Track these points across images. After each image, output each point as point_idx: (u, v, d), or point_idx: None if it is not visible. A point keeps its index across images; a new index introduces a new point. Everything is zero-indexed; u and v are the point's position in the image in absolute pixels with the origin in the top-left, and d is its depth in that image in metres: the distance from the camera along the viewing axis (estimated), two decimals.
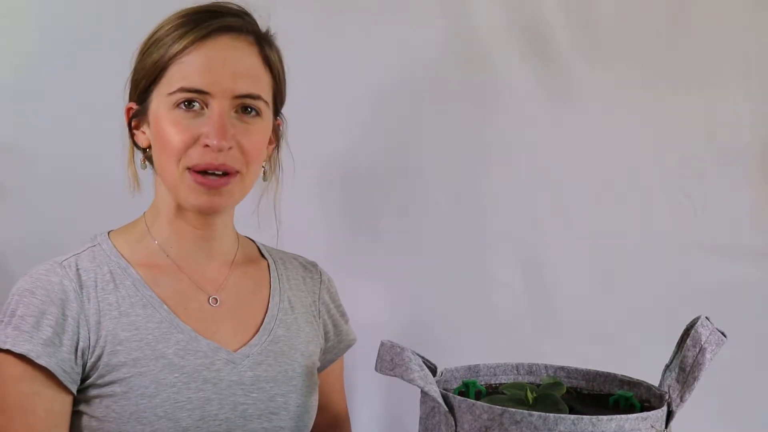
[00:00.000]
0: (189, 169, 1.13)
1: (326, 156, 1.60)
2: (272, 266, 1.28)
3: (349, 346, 1.35)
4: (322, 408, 1.29)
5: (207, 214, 1.17)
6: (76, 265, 1.14)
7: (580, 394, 1.16)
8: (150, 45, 1.16)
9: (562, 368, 1.19)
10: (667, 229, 1.67)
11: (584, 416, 0.94)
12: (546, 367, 1.20)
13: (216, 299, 1.20)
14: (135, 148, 1.20)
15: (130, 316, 1.12)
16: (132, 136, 1.19)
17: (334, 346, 1.34)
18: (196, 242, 1.20)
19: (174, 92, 1.13)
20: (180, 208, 1.17)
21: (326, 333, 1.32)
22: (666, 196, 1.68)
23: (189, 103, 1.12)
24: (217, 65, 1.14)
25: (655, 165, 1.68)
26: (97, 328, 1.10)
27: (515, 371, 1.19)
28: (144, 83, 1.15)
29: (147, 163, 1.20)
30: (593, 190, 1.68)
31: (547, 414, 0.94)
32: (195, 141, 1.12)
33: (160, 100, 1.14)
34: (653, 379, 1.11)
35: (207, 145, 1.12)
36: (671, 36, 1.69)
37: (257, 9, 1.20)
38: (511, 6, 1.66)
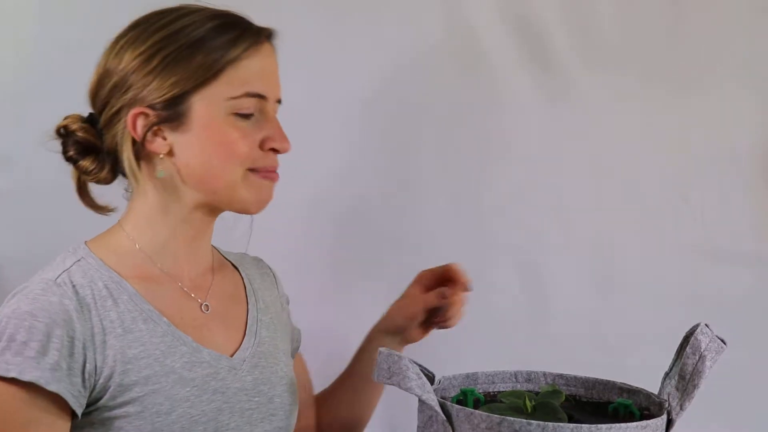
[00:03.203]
0: (250, 170, 1.13)
1: (322, 159, 1.59)
2: (240, 268, 1.28)
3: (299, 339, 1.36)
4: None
5: (259, 210, 1.17)
6: (71, 282, 1.08)
7: (579, 402, 1.15)
8: (184, 47, 1.10)
9: (560, 376, 1.18)
10: (667, 234, 1.66)
11: (583, 425, 0.93)
12: (545, 374, 1.19)
13: (207, 306, 1.19)
14: (135, 154, 1.13)
15: (134, 333, 1.09)
16: (143, 142, 1.11)
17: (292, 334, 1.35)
18: (189, 247, 1.18)
19: (238, 97, 1.11)
20: (187, 211, 1.14)
21: (292, 331, 1.34)
22: (665, 201, 1.67)
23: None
24: (271, 71, 1.15)
25: (654, 170, 1.67)
26: (103, 348, 1.06)
27: (514, 379, 1.18)
28: (182, 87, 1.09)
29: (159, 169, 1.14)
30: (592, 194, 1.68)
31: (546, 423, 0.93)
32: (257, 144, 1.13)
33: (214, 105, 1.10)
34: (653, 386, 1.10)
35: (273, 149, 1.14)
36: (671, 40, 1.68)
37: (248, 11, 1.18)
38: (509, 10, 1.66)
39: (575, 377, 1.17)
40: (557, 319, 1.62)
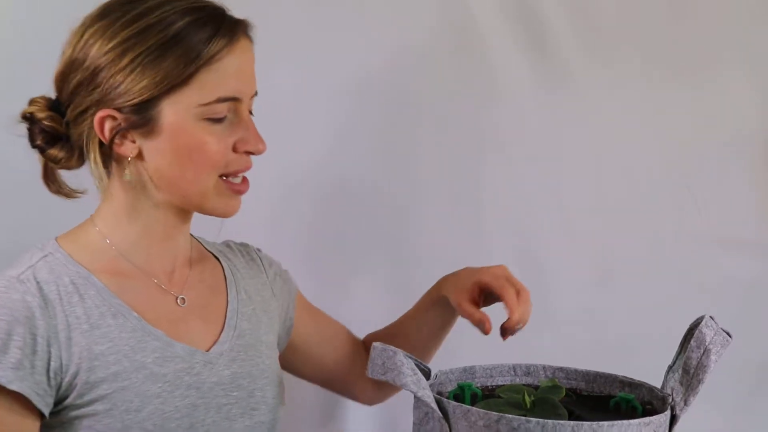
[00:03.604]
0: (223, 178, 1.10)
1: (314, 149, 1.56)
2: (221, 259, 1.25)
3: (296, 286, 1.34)
4: (331, 344, 1.34)
5: (228, 217, 1.14)
6: (35, 278, 1.04)
7: (579, 396, 1.13)
8: (156, 46, 1.03)
9: (561, 369, 1.15)
10: (669, 224, 1.63)
11: (584, 423, 0.90)
12: (544, 367, 1.16)
13: (183, 299, 1.15)
14: (101, 156, 1.08)
15: (101, 328, 1.06)
16: (111, 145, 1.07)
17: (289, 296, 1.32)
18: (162, 243, 1.14)
19: (210, 103, 1.06)
20: (158, 211, 1.11)
21: (287, 305, 1.30)
22: (667, 190, 1.64)
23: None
24: (247, 70, 1.10)
25: (656, 158, 1.64)
26: (69, 345, 1.03)
27: (512, 372, 1.15)
28: (152, 92, 1.04)
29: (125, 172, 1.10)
30: (592, 184, 1.64)
31: (546, 420, 0.90)
32: (230, 148, 1.09)
33: (185, 110, 1.05)
34: (655, 379, 1.07)
35: (248, 152, 1.10)
36: (672, 27, 1.64)
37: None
38: None
39: (575, 370, 1.14)
40: (557, 311, 1.58)
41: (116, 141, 1.07)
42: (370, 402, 1.42)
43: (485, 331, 1.16)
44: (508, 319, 1.15)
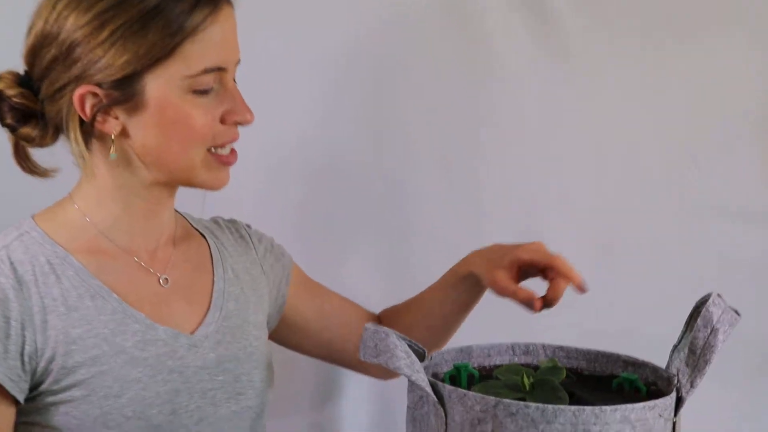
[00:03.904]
0: (210, 152, 1.06)
1: (302, 124, 1.49)
2: (208, 236, 1.20)
3: (291, 260, 1.29)
4: (332, 320, 1.29)
5: (218, 189, 1.10)
6: (9, 259, 1.00)
7: (581, 376, 1.09)
8: (136, 18, 0.98)
9: (561, 348, 1.11)
10: (672, 195, 1.58)
11: (586, 407, 0.86)
12: (544, 347, 1.12)
13: (167, 279, 1.11)
14: (82, 134, 1.03)
15: (79, 311, 1.02)
16: (92, 122, 1.02)
17: (282, 272, 1.27)
18: (145, 221, 1.10)
19: (195, 75, 1.01)
20: (143, 187, 1.07)
21: (279, 281, 1.25)
22: (670, 160, 1.59)
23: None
24: (230, 38, 1.06)
25: (657, 127, 1.58)
26: (44, 328, 0.99)
27: (511, 352, 1.11)
28: (134, 67, 0.99)
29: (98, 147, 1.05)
30: (593, 161, 1.58)
31: (546, 405, 0.86)
32: (217, 120, 1.05)
33: (169, 84, 1.01)
34: (659, 359, 1.03)
35: (236, 123, 1.06)
36: None
37: None
38: None
39: (576, 349, 1.11)
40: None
41: (98, 118, 1.02)
42: (384, 376, 1.36)
43: (535, 308, 1.09)
44: (573, 283, 1.10)
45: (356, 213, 1.53)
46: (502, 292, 1.13)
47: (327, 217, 1.53)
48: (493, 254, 1.18)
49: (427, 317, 1.27)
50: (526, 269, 1.14)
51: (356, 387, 1.51)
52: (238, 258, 1.21)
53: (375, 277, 1.54)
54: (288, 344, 1.31)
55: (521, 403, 0.87)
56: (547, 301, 1.09)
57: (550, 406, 0.86)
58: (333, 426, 1.55)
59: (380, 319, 1.34)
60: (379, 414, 1.54)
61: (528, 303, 1.10)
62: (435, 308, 1.27)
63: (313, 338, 1.30)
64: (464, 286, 1.23)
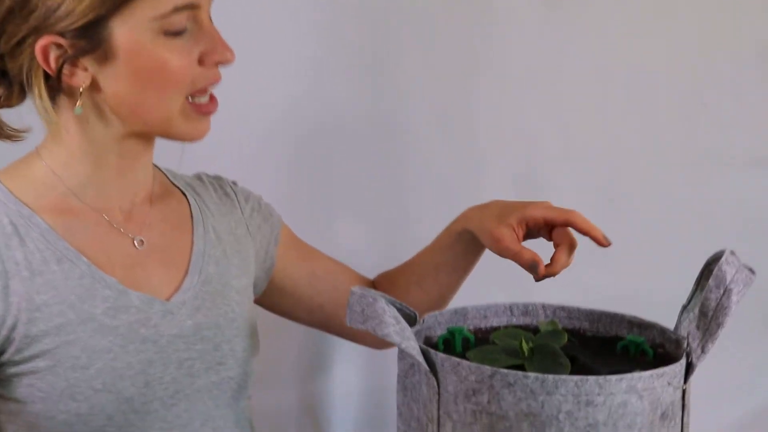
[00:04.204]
0: (189, 101, 0.99)
1: (291, 78, 1.41)
2: (188, 194, 1.13)
3: (280, 221, 1.22)
4: (325, 283, 1.22)
5: (198, 140, 1.02)
6: None
7: (583, 338, 1.02)
8: None
9: (562, 308, 1.05)
10: (681, 142, 1.51)
11: (589, 377, 0.80)
12: (544, 306, 1.05)
13: (142, 241, 1.04)
14: (48, 90, 0.96)
15: (44, 275, 0.95)
16: (58, 76, 0.94)
17: (271, 233, 1.19)
18: (119, 177, 1.02)
19: (166, 15, 0.93)
20: (116, 140, 1.00)
21: (267, 243, 1.18)
22: (678, 105, 1.51)
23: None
24: None
25: (665, 70, 1.50)
26: (6, 294, 0.92)
27: (509, 312, 1.05)
28: (97, 11, 0.91)
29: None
30: (596, 100, 1.51)
31: (546, 375, 0.80)
32: (195, 62, 0.98)
33: (138, 27, 0.93)
34: (667, 320, 0.97)
35: (216, 63, 0.99)
36: None
37: None
38: None
39: (578, 309, 1.04)
40: None
41: (65, 71, 0.94)
42: (378, 346, 1.29)
43: (540, 273, 1.00)
44: (595, 238, 1.02)
45: (349, 169, 1.45)
46: (505, 252, 1.05)
47: (318, 174, 1.45)
48: (496, 211, 1.09)
49: (421, 282, 1.20)
50: (531, 229, 1.06)
51: (348, 356, 1.45)
52: (221, 217, 1.13)
53: (370, 238, 1.47)
54: (276, 310, 1.24)
55: (519, 373, 0.81)
56: (551, 268, 1.02)
57: (550, 377, 0.80)
58: (323, 397, 1.48)
59: (374, 284, 1.27)
60: (372, 383, 1.48)
61: (533, 267, 1.01)
62: (429, 273, 1.20)
63: (302, 304, 1.23)
64: (460, 245, 1.15)
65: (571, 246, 1.02)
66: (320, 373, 1.48)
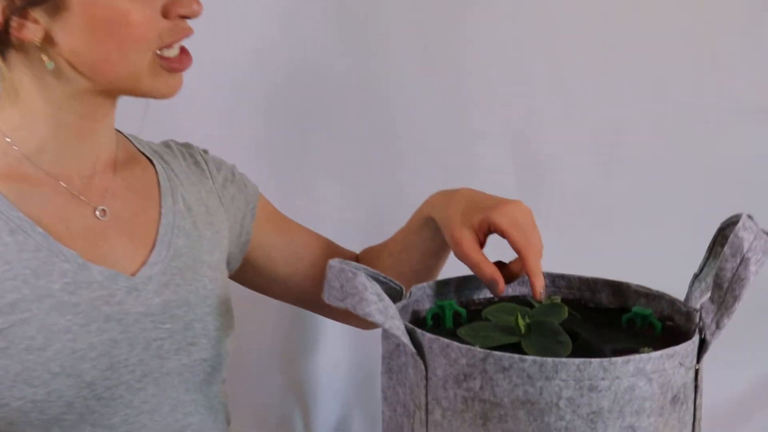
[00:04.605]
0: (158, 55, 0.92)
1: (264, 28, 1.31)
2: (156, 161, 1.05)
3: (256, 192, 1.14)
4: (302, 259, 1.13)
5: (170, 97, 0.95)
6: None
7: (585, 309, 0.95)
8: None
9: (561, 276, 0.97)
10: (687, 93, 1.40)
11: (593, 360, 0.72)
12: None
13: (104, 210, 0.96)
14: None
15: None
16: (6, 30, 0.88)
17: (246, 205, 1.11)
18: (79, 141, 0.95)
19: None
20: (77, 100, 0.92)
21: (243, 216, 1.11)
22: (688, 49, 1.40)
23: None
24: None
25: (672, 20, 1.39)
26: None
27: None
28: None
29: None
30: (597, 49, 1.40)
31: (544, 359, 0.72)
32: (159, 14, 0.91)
33: None
34: (676, 288, 0.89)
35: (182, 16, 0.92)
36: None
37: None
38: None
39: (579, 278, 0.97)
40: (555, 201, 1.36)
41: (13, 24, 0.87)
42: (365, 326, 1.19)
43: (499, 292, 0.91)
44: (532, 288, 0.90)
45: (331, 129, 1.36)
46: (463, 258, 0.94)
47: (296, 136, 1.36)
48: (461, 204, 0.98)
49: (397, 265, 1.10)
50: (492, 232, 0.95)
51: (335, 328, 1.36)
52: (191, 187, 1.05)
53: (357, 206, 1.38)
54: (252, 287, 1.16)
55: (515, 356, 0.73)
56: (510, 277, 0.93)
57: (549, 360, 0.72)
58: (308, 374, 1.40)
59: (358, 259, 1.18)
60: (360, 357, 1.39)
61: (491, 285, 0.91)
62: (402, 256, 1.11)
63: (281, 281, 1.15)
64: (428, 231, 1.05)
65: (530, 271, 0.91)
66: (305, 348, 1.40)
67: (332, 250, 1.17)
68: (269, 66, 1.33)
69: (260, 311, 1.26)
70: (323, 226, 1.18)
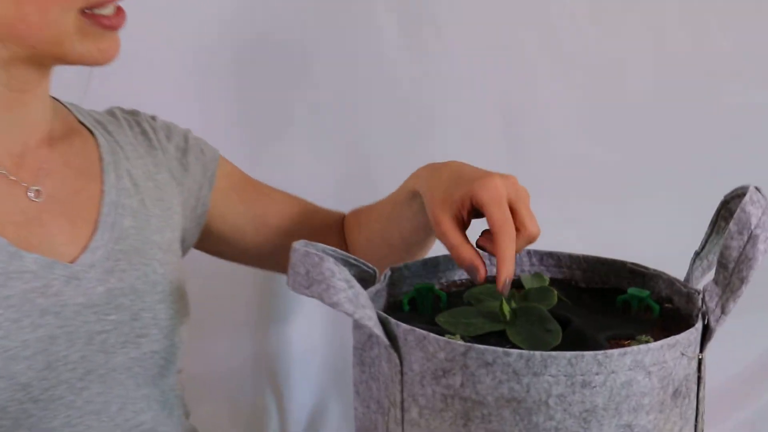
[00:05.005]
0: (84, 14, 0.83)
1: None
2: (97, 133, 0.96)
3: (215, 157, 1.06)
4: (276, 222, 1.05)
5: (105, 63, 0.86)
6: None
7: (576, 290, 0.88)
8: None
9: (550, 255, 0.91)
10: (686, 53, 1.32)
11: (585, 353, 0.65)
12: (529, 254, 0.91)
13: (38, 191, 0.87)
14: None
15: None
16: None
17: (204, 174, 1.03)
18: (9, 114, 0.86)
19: None
20: (3, 69, 0.83)
21: (199, 187, 1.02)
22: (686, 16, 1.32)
23: None
24: None
25: None
26: None
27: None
28: None
29: None
30: (591, 7, 1.31)
31: (532, 352, 0.65)
32: None
33: None
34: (675, 267, 0.83)
35: None
36: None
37: None
38: None
39: (570, 256, 0.90)
40: (547, 170, 1.27)
41: None
42: None
43: (480, 279, 0.81)
44: (497, 278, 0.79)
45: (303, 92, 1.27)
46: (442, 239, 0.85)
47: (265, 101, 1.26)
48: (446, 179, 0.88)
49: (385, 234, 1.02)
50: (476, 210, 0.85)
51: (309, 301, 1.27)
52: (137, 161, 0.96)
53: (332, 170, 1.29)
54: (225, 257, 1.09)
55: (499, 350, 0.65)
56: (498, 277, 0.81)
57: (537, 354, 0.65)
58: (281, 351, 1.31)
59: (345, 222, 1.10)
60: (336, 333, 1.30)
61: (470, 270, 0.82)
62: (392, 226, 1.01)
63: (253, 251, 1.07)
64: (416, 205, 0.95)
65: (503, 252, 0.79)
66: (277, 322, 1.31)
67: (312, 213, 1.09)
68: (235, 24, 1.24)
69: (227, 289, 1.18)
70: (307, 190, 1.10)
